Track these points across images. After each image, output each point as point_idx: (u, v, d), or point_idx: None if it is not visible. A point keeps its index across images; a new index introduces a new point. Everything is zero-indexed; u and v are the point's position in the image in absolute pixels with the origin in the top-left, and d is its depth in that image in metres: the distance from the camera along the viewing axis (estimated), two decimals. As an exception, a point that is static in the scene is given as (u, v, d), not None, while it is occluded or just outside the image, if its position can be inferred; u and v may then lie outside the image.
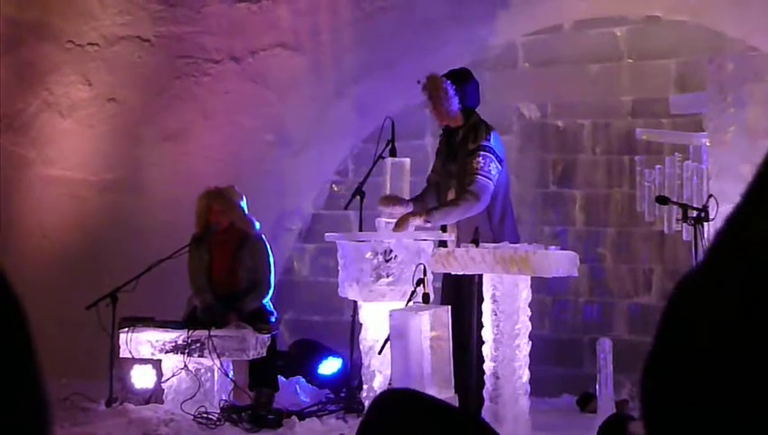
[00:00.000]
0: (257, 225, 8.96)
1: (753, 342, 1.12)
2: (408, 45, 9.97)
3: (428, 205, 8.08)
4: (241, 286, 8.87)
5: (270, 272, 8.95)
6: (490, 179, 7.83)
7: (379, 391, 7.79)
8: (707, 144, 8.26)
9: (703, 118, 8.39)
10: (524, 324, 7.55)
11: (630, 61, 9.73)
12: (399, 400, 1.66)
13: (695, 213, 7.69)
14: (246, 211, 8.96)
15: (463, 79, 8.07)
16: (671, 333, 1.22)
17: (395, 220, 7.90)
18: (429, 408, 1.62)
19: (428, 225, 7.94)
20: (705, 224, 7.65)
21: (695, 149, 8.42)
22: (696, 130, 8.54)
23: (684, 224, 7.87)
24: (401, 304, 7.54)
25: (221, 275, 8.92)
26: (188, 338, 8.35)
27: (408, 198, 8.13)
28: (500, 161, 7.93)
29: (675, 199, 8.07)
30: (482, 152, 7.86)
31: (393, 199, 8.05)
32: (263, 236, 9.01)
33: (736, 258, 1.17)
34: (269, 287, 8.94)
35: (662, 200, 7.99)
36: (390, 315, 7.29)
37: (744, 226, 1.18)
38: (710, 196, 7.76)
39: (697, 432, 1.14)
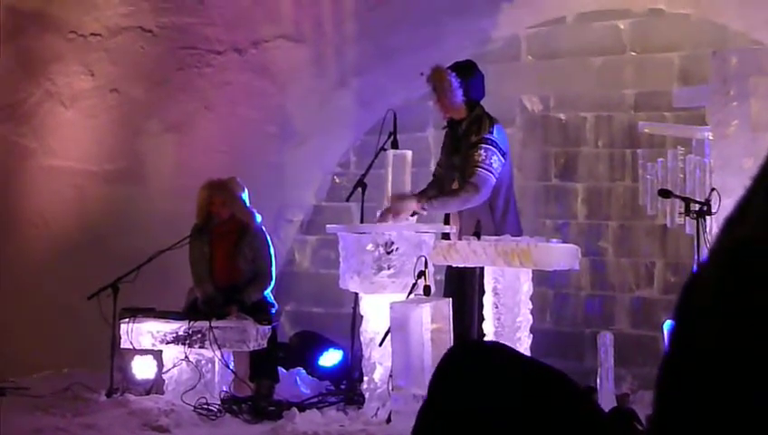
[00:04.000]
0: (258, 217, 8.95)
1: (728, 337, 1.17)
2: (410, 38, 9.95)
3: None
4: (241, 278, 8.87)
5: (271, 264, 8.95)
6: (491, 172, 7.83)
7: (379, 384, 7.80)
8: (710, 138, 8.24)
9: (706, 111, 8.37)
10: (525, 317, 7.55)
11: (634, 54, 9.71)
12: (477, 350, 1.56)
13: (697, 206, 7.68)
14: (248, 203, 8.95)
15: (467, 71, 8.06)
16: (677, 325, 1.26)
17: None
18: (509, 358, 1.54)
19: (425, 212, 7.94)
20: (708, 217, 7.64)
21: (697, 143, 8.41)
22: (698, 124, 8.53)
23: (686, 217, 7.85)
24: (402, 297, 7.53)
25: (222, 267, 8.92)
26: (189, 329, 8.34)
27: (409, 189, 8.13)
28: (503, 154, 7.93)
29: (677, 193, 8.06)
30: (484, 145, 7.85)
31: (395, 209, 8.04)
32: (263, 227, 9.01)
33: (722, 257, 1.23)
34: (270, 279, 8.94)
35: (664, 194, 7.98)
36: (391, 307, 7.29)
37: (732, 227, 1.24)
38: (713, 189, 7.75)
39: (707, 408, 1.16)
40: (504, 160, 7.94)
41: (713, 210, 7.62)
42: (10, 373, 9.10)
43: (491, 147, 7.86)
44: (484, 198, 7.84)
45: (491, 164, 7.83)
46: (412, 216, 8.05)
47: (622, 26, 9.75)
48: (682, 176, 8.32)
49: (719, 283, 1.21)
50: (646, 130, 8.91)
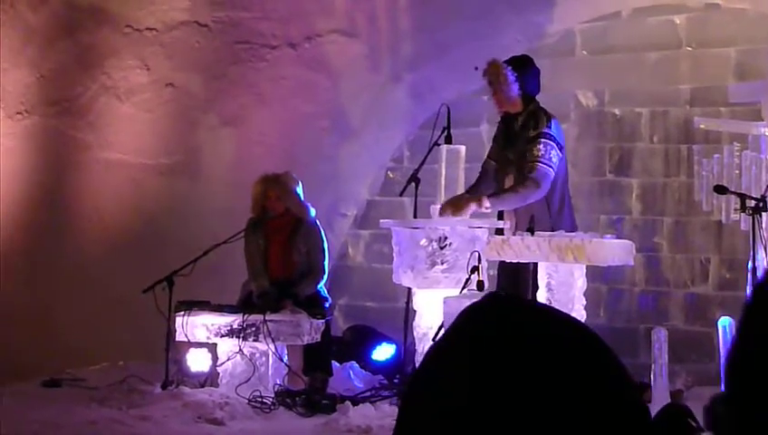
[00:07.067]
0: (312, 211, 8.98)
1: None
2: (464, 32, 9.95)
3: (485, 192, 8.07)
4: (296, 272, 8.90)
5: (324, 258, 8.98)
6: (551, 167, 7.80)
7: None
8: (766, 133, 8.17)
9: (762, 107, 8.30)
10: (579, 313, 7.52)
11: (689, 49, 9.65)
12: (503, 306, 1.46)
13: (753, 202, 7.62)
14: (302, 197, 8.99)
15: (523, 65, 8.05)
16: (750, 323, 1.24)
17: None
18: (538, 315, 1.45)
19: (487, 210, 7.93)
20: (764, 213, 7.59)
21: (753, 139, 8.33)
22: (755, 119, 8.45)
23: (742, 213, 7.80)
24: (455, 292, 7.54)
25: (277, 260, 8.95)
26: (243, 322, 8.39)
27: (462, 184, 8.13)
28: (560, 149, 7.91)
29: (733, 189, 7.99)
30: (543, 139, 7.83)
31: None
32: (317, 221, 9.04)
33: None
34: (323, 273, 8.96)
35: (720, 190, 7.93)
36: (445, 302, 7.30)
37: None
38: (769, 185, 7.69)
39: None
40: (561, 155, 7.92)
41: (768, 206, 7.56)
42: (67, 365, 9.20)
43: (549, 141, 7.84)
44: (545, 192, 7.81)
45: (550, 158, 7.81)
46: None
47: (678, 21, 9.68)
48: (738, 172, 8.25)
49: None
50: (701, 126, 8.84)
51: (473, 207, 7.86)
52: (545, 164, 7.78)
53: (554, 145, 7.83)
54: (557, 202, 7.94)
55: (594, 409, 1.27)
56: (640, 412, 1.31)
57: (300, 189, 9.00)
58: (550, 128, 7.86)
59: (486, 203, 7.84)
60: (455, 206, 7.89)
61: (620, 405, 1.30)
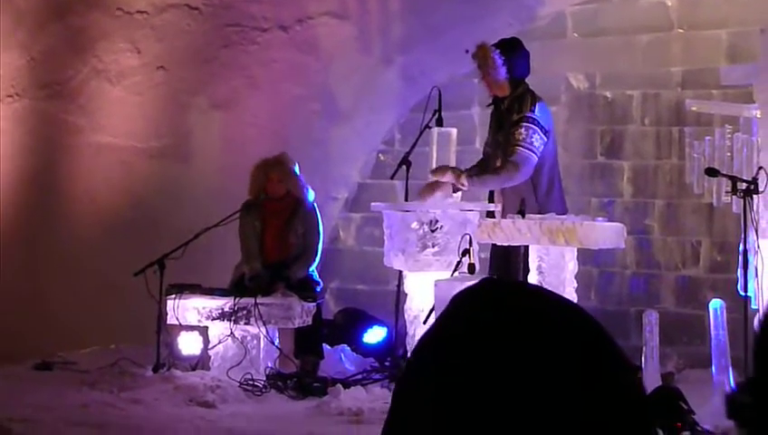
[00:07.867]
0: (311, 193, 8.96)
1: None
2: (456, 15, 9.93)
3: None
4: (291, 254, 8.89)
5: (319, 240, 8.97)
6: (532, 151, 7.80)
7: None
8: (758, 116, 8.17)
9: (754, 89, 8.30)
10: (570, 296, 7.52)
11: (681, 31, 9.64)
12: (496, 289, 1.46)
13: (744, 185, 7.63)
14: (302, 179, 8.96)
15: (512, 49, 8.04)
16: None
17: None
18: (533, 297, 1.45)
19: (464, 188, 7.93)
20: (755, 196, 7.59)
21: (745, 121, 8.33)
22: (746, 102, 8.45)
23: (733, 196, 7.80)
24: (447, 275, 7.54)
25: (272, 243, 8.94)
26: (235, 305, 8.39)
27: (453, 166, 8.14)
28: (545, 132, 7.89)
29: (724, 171, 7.99)
30: (525, 123, 7.83)
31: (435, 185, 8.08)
32: (315, 205, 9.02)
33: None
34: (316, 255, 8.96)
35: (711, 172, 7.93)
36: (435, 285, 7.30)
37: None
38: (760, 168, 7.69)
39: None
40: (546, 139, 7.90)
41: (760, 189, 7.56)
42: (58, 348, 9.19)
43: (532, 125, 7.84)
44: (526, 176, 7.81)
45: (532, 142, 7.80)
46: (455, 192, 8.05)
47: (669, 3, 9.67)
48: (729, 154, 8.25)
49: None
50: (693, 108, 8.84)
51: (448, 176, 7.87)
52: (526, 148, 7.77)
53: (537, 129, 7.82)
54: (545, 185, 7.94)
55: (591, 391, 1.28)
56: (637, 394, 1.32)
57: (297, 169, 8.99)
58: (534, 111, 7.85)
59: (464, 180, 7.85)
60: (426, 186, 7.94)
61: (617, 387, 1.30)
